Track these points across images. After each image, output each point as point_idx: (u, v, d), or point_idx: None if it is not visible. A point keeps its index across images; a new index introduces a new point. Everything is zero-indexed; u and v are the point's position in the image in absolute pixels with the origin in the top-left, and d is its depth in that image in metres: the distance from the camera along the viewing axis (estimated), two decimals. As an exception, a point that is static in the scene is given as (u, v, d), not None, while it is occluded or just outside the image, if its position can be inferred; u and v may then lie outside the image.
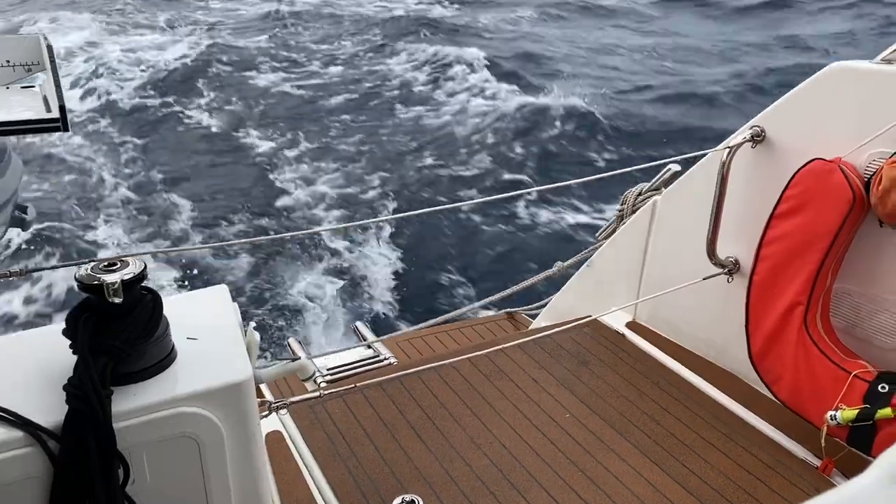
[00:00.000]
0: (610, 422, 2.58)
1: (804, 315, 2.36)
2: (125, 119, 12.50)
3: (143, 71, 14.76)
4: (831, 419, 2.20)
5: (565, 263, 3.84)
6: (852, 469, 2.28)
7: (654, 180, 3.25)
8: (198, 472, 1.47)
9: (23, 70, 1.57)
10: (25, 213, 1.66)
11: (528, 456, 2.41)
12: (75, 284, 1.39)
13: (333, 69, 15.13)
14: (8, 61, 1.56)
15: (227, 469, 1.50)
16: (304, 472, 2.35)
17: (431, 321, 3.65)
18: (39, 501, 1.31)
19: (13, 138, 1.53)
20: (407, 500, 2.22)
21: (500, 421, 2.58)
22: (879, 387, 2.18)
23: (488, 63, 14.23)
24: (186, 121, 12.53)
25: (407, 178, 10.09)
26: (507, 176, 10.04)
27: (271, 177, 10.12)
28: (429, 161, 10.66)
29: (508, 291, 4.00)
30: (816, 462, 2.37)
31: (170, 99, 13.41)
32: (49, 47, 1.56)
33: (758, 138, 2.58)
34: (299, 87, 14.06)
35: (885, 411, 2.11)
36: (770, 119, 2.57)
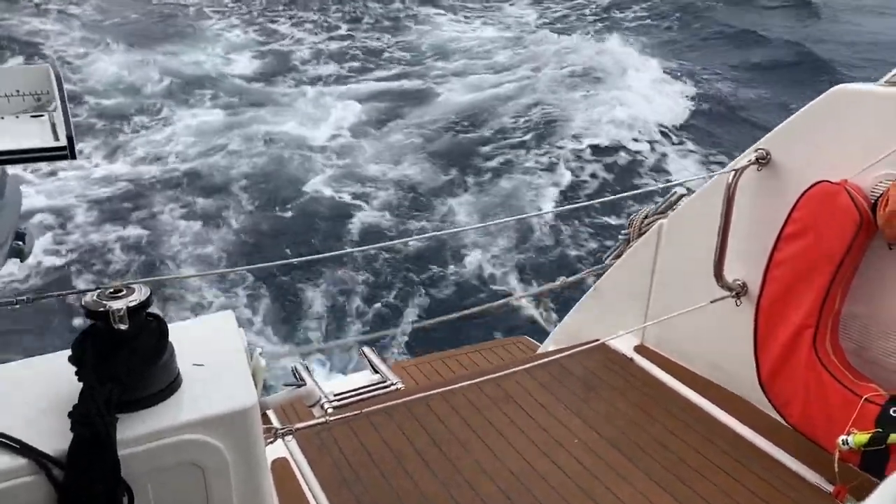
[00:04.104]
0: (618, 447, 2.55)
1: (813, 338, 2.34)
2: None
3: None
4: (843, 444, 2.17)
5: (569, 279, 3.82)
6: (866, 495, 2.24)
7: (660, 203, 3.25)
8: (202, 499, 1.46)
9: (32, 99, 1.59)
10: (23, 242, 1.65)
11: (537, 482, 2.39)
12: (82, 311, 1.39)
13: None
14: (18, 91, 1.58)
15: (233, 497, 1.49)
16: (309, 498, 2.33)
17: (438, 354, 3.63)
18: None
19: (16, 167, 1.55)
20: None
21: (508, 447, 2.55)
22: (892, 410, 2.15)
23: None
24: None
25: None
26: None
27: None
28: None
29: (511, 298, 3.98)
30: (829, 488, 2.33)
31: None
32: (58, 76, 1.58)
33: (763, 161, 2.57)
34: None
35: (898, 435, 2.08)
36: (775, 141, 2.57)
